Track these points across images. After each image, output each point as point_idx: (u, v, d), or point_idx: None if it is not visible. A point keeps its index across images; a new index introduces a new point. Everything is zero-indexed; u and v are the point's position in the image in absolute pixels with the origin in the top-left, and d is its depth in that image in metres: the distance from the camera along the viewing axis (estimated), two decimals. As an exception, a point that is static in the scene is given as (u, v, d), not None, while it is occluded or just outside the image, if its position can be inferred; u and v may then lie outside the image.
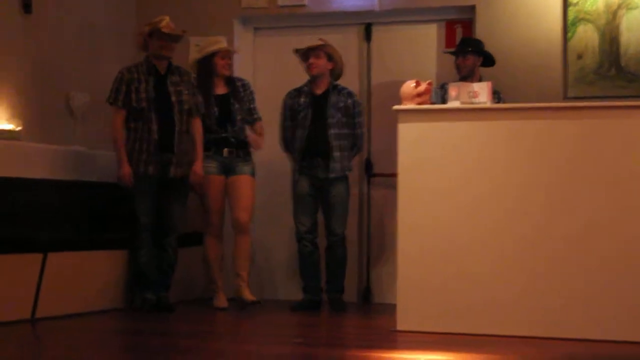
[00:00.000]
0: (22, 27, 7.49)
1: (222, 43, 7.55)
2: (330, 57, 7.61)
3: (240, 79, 7.72)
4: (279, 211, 8.35)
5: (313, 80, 7.64)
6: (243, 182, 7.52)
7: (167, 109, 7.15)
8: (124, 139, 7.11)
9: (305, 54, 7.62)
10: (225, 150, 7.50)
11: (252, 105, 7.66)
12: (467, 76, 7.52)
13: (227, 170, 7.53)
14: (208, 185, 7.44)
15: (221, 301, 7.51)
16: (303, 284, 7.66)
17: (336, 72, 7.68)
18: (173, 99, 7.19)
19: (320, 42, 7.59)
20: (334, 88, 7.63)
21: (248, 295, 7.44)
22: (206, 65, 7.52)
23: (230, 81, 7.62)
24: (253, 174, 7.61)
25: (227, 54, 7.56)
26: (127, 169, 7.03)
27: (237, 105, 7.54)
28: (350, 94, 7.68)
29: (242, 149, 7.57)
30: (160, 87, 7.17)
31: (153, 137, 7.08)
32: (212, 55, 7.51)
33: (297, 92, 7.71)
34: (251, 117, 7.65)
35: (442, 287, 6.08)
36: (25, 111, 7.46)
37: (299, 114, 7.62)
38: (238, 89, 7.60)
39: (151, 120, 7.09)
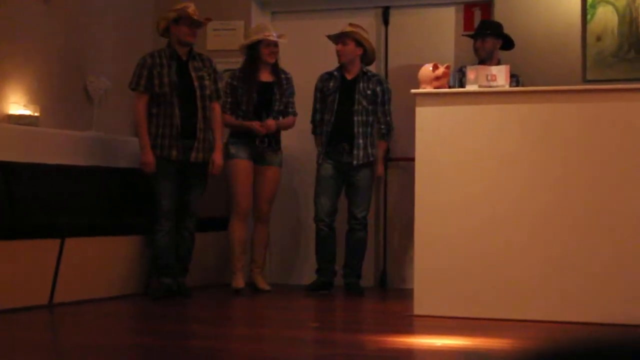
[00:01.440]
0: (41, 12, 7.50)
1: (267, 31, 7.52)
2: (358, 43, 7.60)
3: (285, 72, 7.70)
4: (303, 199, 8.38)
5: (344, 65, 7.65)
6: (270, 174, 7.61)
7: (190, 94, 7.16)
8: (146, 125, 7.11)
9: (335, 40, 7.63)
10: (258, 139, 7.51)
11: (290, 99, 7.68)
12: (485, 59, 7.48)
13: (257, 158, 7.57)
14: (237, 169, 7.50)
15: (239, 282, 7.52)
16: (317, 266, 7.69)
17: (367, 58, 7.68)
18: (195, 84, 7.19)
19: (349, 29, 7.57)
20: (364, 74, 7.64)
21: (261, 284, 7.63)
22: (252, 52, 7.54)
23: (276, 70, 7.62)
24: (281, 165, 7.69)
25: (271, 43, 7.52)
26: (150, 157, 7.03)
27: (278, 95, 7.57)
28: (380, 81, 7.69)
29: (274, 137, 7.60)
30: (182, 73, 7.17)
31: (176, 122, 7.09)
32: (258, 42, 7.51)
33: (329, 75, 7.74)
34: (286, 111, 7.65)
35: (459, 271, 6.06)
36: (44, 97, 7.47)
37: (328, 97, 7.65)
38: (282, 80, 7.61)
39: (174, 105, 7.09)
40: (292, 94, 7.70)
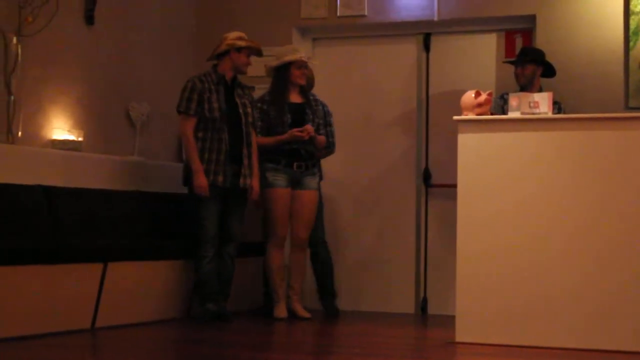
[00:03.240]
0: (84, 38, 7.58)
1: (298, 53, 7.53)
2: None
3: (322, 103, 7.72)
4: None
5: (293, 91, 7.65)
6: (308, 198, 7.56)
7: (236, 120, 7.19)
8: (197, 149, 7.09)
9: (303, 64, 7.61)
10: (296, 164, 7.50)
11: (329, 128, 7.69)
12: (526, 86, 7.46)
13: (295, 183, 7.54)
14: (275, 197, 7.48)
15: (281, 311, 7.53)
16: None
17: (309, 84, 7.78)
18: (240, 110, 7.23)
19: (305, 57, 7.64)
20: (312, 97, 7.73)
21: (300, 311, 7.58)
22: (282, 73, 7.54)
23: (305, 92, 7.62)
24: (318, 188, 7.65)
25: (303, 64, 7.54)
26: (204, 180, 7.02)
27: (311, 116, 7.54)
28: (323, 104, 7.78)
29: (311, 160, 7.58)
30: (227, 99, 7.20)
31: (224, 147, 7.11)
32: (289, 64, 7.51)
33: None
34: (319, 133, 7.58)
35: (502, 297, 6.03)
36: (87, 122, 7.54)
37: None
38: (311, 101, 7.60)
39: (223, 130, 7.12)
40: (329, 122, 7.70)
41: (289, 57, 7.50)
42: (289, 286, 7.64)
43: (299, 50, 7.63)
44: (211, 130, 7.10)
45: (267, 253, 7.58)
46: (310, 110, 7.56)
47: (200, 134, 7.10)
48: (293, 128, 7.43)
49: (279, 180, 7.48)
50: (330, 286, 7.90)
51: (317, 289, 7.90)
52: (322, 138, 7.57)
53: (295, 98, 7.59)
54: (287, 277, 7.66)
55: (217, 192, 7.11)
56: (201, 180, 7.02)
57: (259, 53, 7.38)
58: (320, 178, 7.74)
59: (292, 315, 7.57)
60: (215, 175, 7.09)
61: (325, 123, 7.70)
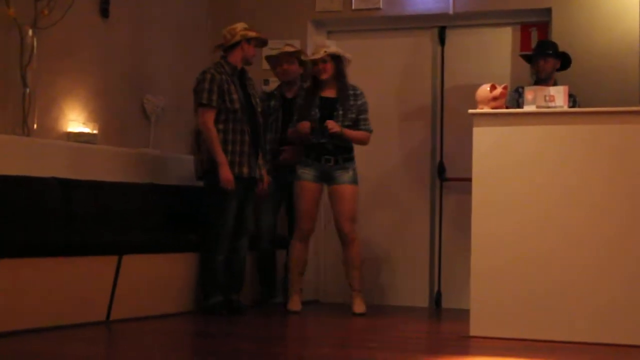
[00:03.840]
0: (99, 31, 7.58)
1: (317, 49, 7.47)
2: (301, 62, 7.80)
3: (354, 88, 7.58)
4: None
5: (285, 84, 7.81)
6: (343, 192, 7.45)
7: (252, 110, 7.19)
8: (219, 141, 7.04)
9: (276, 60, 7.76)
10: (323, 159, 7.45)
11: (362, 115, 7.52)
12: (544, 80, 7.42)
13: (327, 178, 7.48)
14: (302, 190, 7.45)
15: (295, 304, 7.52)
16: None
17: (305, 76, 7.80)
18: (254, 101, 7.23)
19: (292, 49, 7.75)
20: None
21: (356, 307, 7.47)
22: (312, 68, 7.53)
23: (342, 86, 7.51)
24: (354, 182, 7.51)
25: (318, 60, 7.42)
26: (230, 173, 6.99)
27: (341, 111, 7.45)
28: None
29: (342, 155, 7.48)
30: (243, 89, 7.20)
31: (246, 138, 7.11)
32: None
33: (268, 96, 7.93)
34: (357, 128, 7.51)
35: (516, 292, 6.01)
36: (102, 114, 7.55)
37: (270, 116, 7.79)
38: (347, 96, 7.49)
39: (244, 121, 7.11)
40: (364, 110, 7.53)
41: (313, 55, 7.46)
42: (349, 284, 7.52)
43: (327, 45, 7.53)
44: (232, 122, 7.07)
45: (290, 245, 7.58)
46: (341, 105, 7.47)
47: (220, 126, 7.05)
48: (321, 123, 7.37)
49: (306, 174, 7.44)
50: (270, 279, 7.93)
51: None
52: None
53: (329, 92, 7.51)
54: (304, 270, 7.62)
55: (241, 184, 7.10)
56: (228, 174, 6.98)
57: (264, 43, 7.40)
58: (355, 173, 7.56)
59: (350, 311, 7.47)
60: (240, 166, 7.08)
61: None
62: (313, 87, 7.52)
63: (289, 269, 7.61)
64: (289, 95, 7.83)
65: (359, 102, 7.51)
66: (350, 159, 7.53)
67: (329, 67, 7.43)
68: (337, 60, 7.45)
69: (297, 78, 7.88)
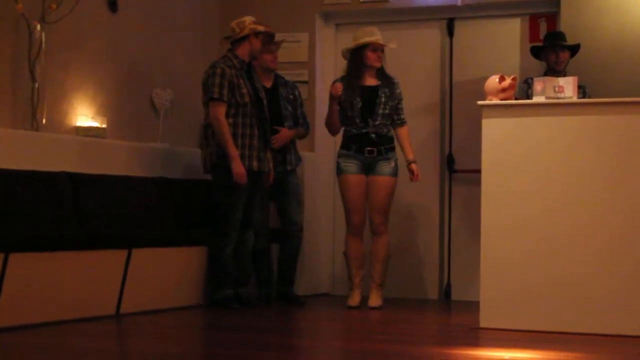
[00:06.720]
0: (108, 25, 7.59)
1: (375, 35, 7.37)
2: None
3: (392, 77, 7.52)
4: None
5: (263, 73, 7.66)
6: (382, 184, 7.37)
7: (260, 104, 7.18)
8: (231, 135, 7.02)
9: (274, 47, 7.66)
10: (367, 150, 7.37)
11: (400, 105, 7.48)
12: (560, 71, 7.36)
13: (368, 169, 7.40)
14: (347, 185, 7.40)
15: (354, 300, 7.44)
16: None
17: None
18: (261, 94, 7.23)
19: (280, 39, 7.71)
20: (279, 79, 7.79)
21: (371, 300, 7.41)
22: (357, 55, 7.39)
23: (382, 74, 7.46)
24: (394, 174, 7.42)
25: (379, 47, 7.39)
26: (242, 167, 6.97)
27: (383, 99, 7.39)
28: (294, 86, 7.85)
29: (384, 145, 7.42)
30: (251, 83, 7.20)
31: (255, 132, 7.10)
32: (364, 46, 7.38)
33: None
34: (397, 117, 7.49)
35: (526, 284, 6.00)
36: (111, 109, 7.56)
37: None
38: (389, 84, 7.43)
39: (253, 114, 7.11)
40: (401, 99, 7.49)
41: (364, 40, 7.35)
42: (370, 274, 7.48)
43: (377, 32, 7.42)
44: (242, 116, 7.06)
45: (345, 241, 7.53)
46: (384, 93, 7.40)
47: (230, 120, 7.03)
48: (364, 113, 7.34)
49: (350, 166, 7.39)
50: (290, 274, 7.79)
51: (278, 276, 7.79)
52: (297, 130, 7.69)
53: (370, 81, 7.45)
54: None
55: (250, 177, 7.09)
56: (240, 168, 6.96)
57: (272, 38, 7.38)
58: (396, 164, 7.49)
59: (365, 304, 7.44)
60: (250, 160, 7.08)
61: (300, 103, 7.82)
62: (356, 75, 7.39)
63: (347, 264, 7.50)
64: (268, 85, 7.68)
65: (397, 91, 7.48)
66: (392, 148, 7.46)
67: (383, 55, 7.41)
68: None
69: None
